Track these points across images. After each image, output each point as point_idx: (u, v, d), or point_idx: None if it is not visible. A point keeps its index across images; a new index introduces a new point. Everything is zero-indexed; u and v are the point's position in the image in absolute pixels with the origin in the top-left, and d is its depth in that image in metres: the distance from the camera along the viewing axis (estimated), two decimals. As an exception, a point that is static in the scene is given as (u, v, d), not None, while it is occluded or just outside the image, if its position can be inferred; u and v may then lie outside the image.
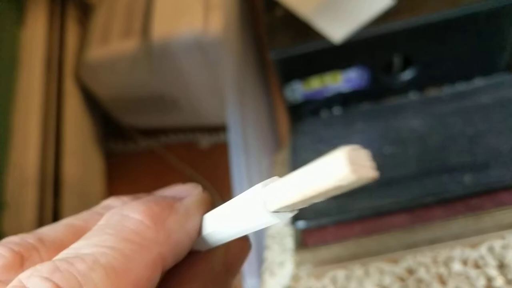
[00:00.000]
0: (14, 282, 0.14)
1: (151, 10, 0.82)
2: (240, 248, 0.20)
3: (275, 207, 0.15)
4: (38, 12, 0.86)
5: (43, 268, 0.14)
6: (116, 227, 0.16)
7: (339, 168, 0.12)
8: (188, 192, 0.19)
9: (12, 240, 0.17)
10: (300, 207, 0.15)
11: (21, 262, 0.16)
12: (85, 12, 0.93)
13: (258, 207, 0.15)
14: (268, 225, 0.16)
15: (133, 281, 0.14)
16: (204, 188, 0.19)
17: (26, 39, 0.84)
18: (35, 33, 0.85)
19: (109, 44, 0.82)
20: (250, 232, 0.17)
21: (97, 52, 0.83)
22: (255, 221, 0.16)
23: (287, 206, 0.15)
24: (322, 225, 0.44)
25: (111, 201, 0.20)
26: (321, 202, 0.47)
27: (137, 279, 0.15)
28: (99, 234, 0.15)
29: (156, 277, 0.16)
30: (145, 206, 0.17)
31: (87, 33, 0.87)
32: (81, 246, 0.15)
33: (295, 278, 0.43)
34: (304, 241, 0.45)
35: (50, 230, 0.17)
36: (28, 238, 0.17)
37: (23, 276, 0.14)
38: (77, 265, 0.14)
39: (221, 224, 0.17)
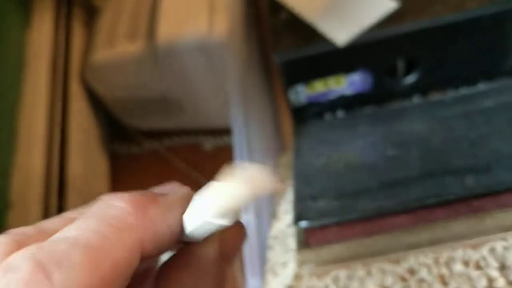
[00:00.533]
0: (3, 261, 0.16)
1: (157, 13, 0.82)
2: (235, 235, 0.20)
3: (214, 215, 0.17)
4: (44, 15, 0.87)
5: (29, 248, 0.16)
6: (100, 214, 0.17)
7: (238, 191, 0.15)
8: (173, 190, 0.20)
9: (15, 230, 0.18)
10: (239, 211, 0.17)
11: (20, 248, 0.17)
12: (91, 14, 0.94)
13: (206, 216, 0.17)
14: (228, 224, 0.17)
15: (111, 261, 0.16)
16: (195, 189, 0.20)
17: (32, 42, 0.84)
18: (41, 35, 0.85)
19: (115, 47, 0.83)
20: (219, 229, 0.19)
21: (102, 54, 0.84)
22: (213, 226, 0.18)
23: (225, 213, 0.17)
24: (324, 225, 0.45)
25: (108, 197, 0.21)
26: (323, 202, 0.47)
27: (115, 259, 0.16)
28: (84, 220, 0.17)
29: (135, 261, 0.17)
30: (130, 196, 0.18)
31: (93, 36, 0.88)
32: (67, 230, 0.17)
33: (297, 277, 0.43)
34: (307, 241, 0.45)
35: (49, 223, 0.19)
36: (29, 229, 0.18)
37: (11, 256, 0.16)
38: (60, 245, 0.15)
39: (193, 227, 0.18)
